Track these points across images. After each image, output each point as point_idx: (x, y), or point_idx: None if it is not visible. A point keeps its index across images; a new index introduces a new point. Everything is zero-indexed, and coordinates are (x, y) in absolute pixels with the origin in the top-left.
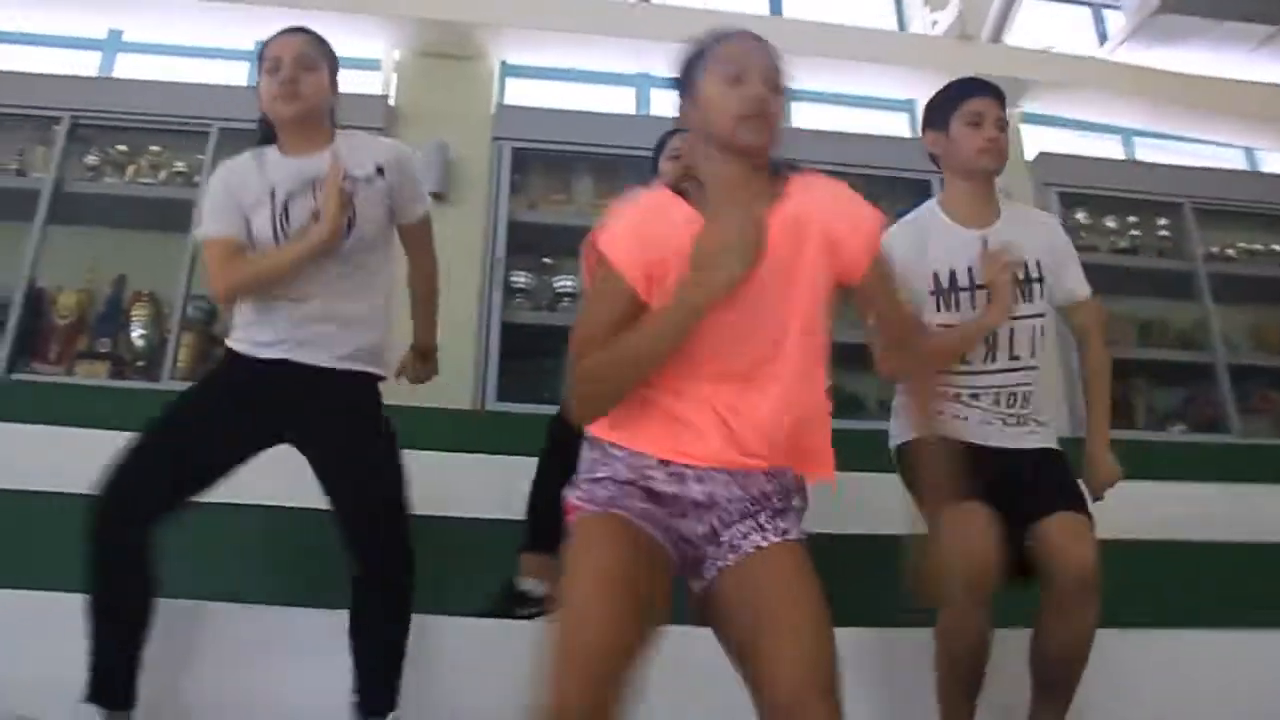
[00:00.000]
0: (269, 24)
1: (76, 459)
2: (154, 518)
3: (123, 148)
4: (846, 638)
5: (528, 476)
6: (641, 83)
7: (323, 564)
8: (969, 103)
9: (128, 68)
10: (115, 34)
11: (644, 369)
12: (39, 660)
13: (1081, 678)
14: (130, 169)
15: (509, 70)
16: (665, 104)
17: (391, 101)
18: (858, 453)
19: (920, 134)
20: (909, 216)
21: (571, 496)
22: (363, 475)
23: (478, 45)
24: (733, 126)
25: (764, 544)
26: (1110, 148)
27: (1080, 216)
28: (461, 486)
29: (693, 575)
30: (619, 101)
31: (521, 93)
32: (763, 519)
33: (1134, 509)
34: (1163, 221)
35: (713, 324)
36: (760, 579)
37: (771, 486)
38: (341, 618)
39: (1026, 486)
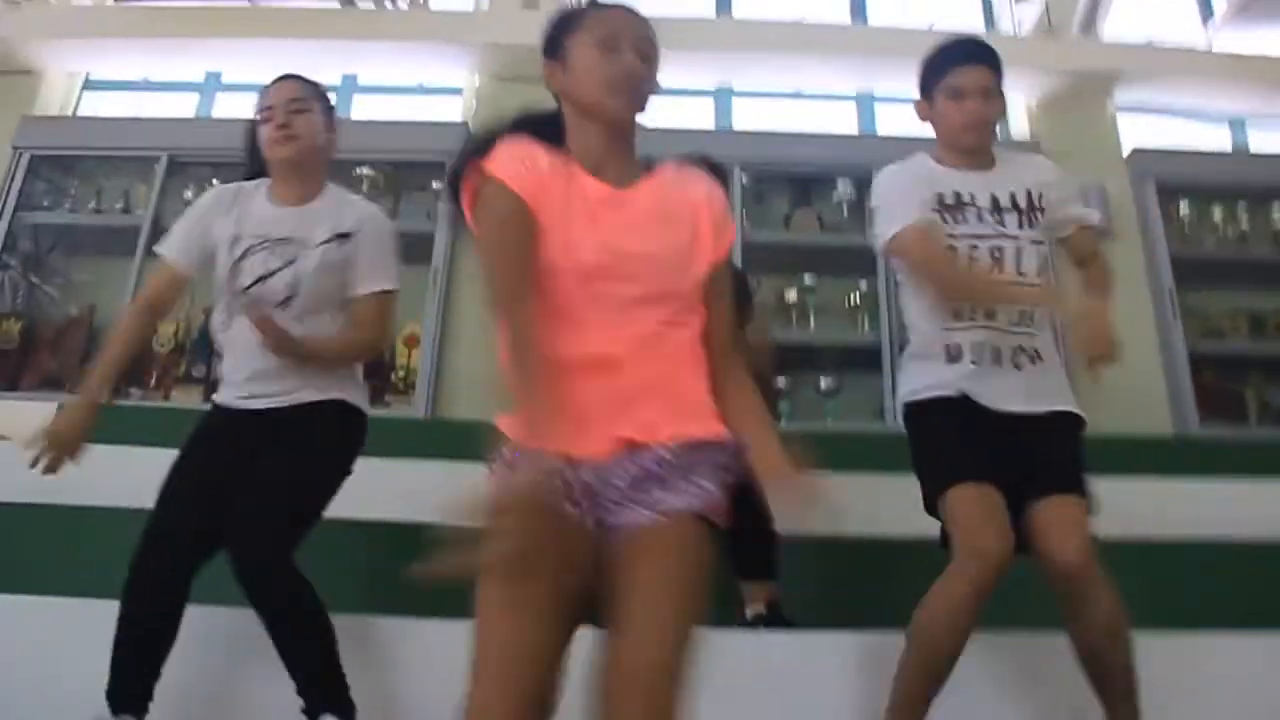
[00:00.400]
0: (360, 59)
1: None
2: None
3: (216, 182)
4: None
5: None
6: (722, 97)
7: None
8: (950, 75)
9: (226, 107)
10: (214, 76)
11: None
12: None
13: (1134, 673)
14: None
15: None
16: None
17: (471, 127)
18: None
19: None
20: (896, 164)
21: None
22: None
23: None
24: (601, 94)
25: (645, 521)
26: (1218, 137)
27: (1183, 209)
28: None
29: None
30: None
31: None
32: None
33: (1247, 507)
34: (1278, 214)
35: (576, 304)
36: (636, 555)
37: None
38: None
39: (1029, 458)
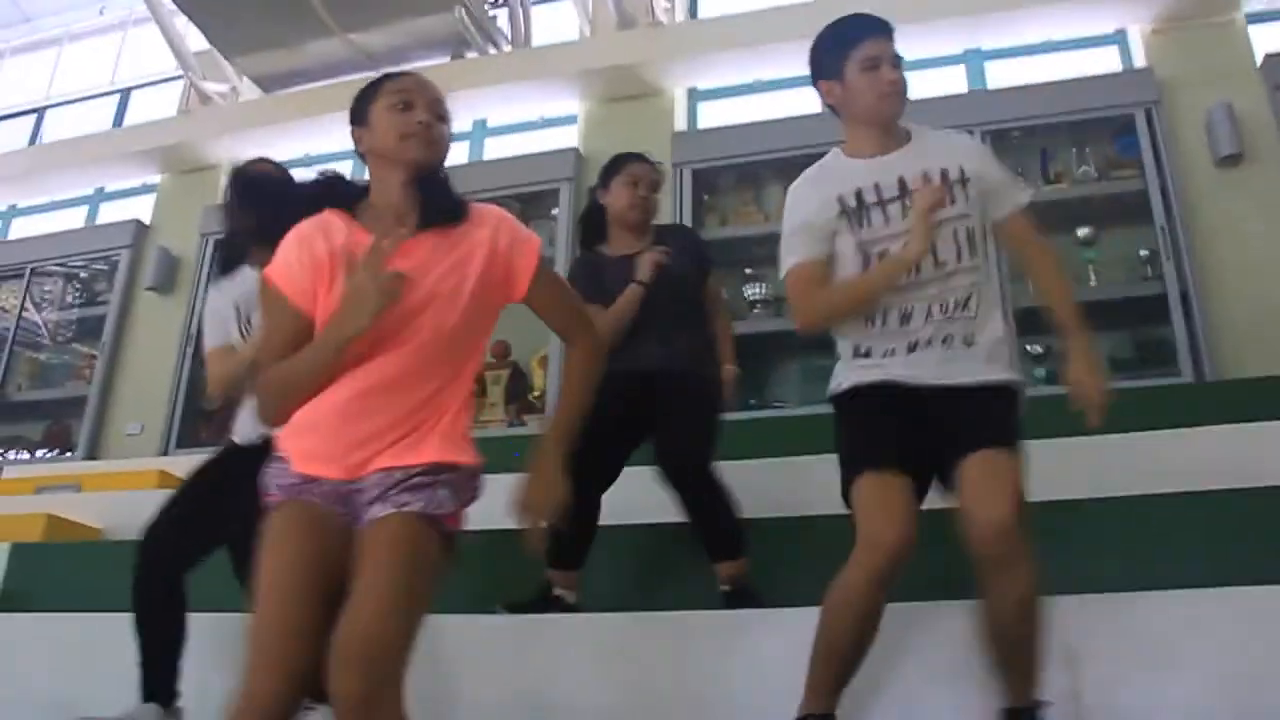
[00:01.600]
0: (485, 104)
1: None
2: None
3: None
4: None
5: None
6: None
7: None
8: (862, 47)
9: None
10: None
11: (304, 387)
12: None
13: (1037, 652)
14: None
15: (701, 95)
16: None
17: (581, 150)
18: None
19: (814, 84)
20: (804, 174)
21: (269, 488)
22: None
23: (652, 82)
24: (398, 144)
25: (380, 515)
26: None
27: None
28: None
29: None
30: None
31: (717, 115)
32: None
33: None
34: None
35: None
36: (364, 544)
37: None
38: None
39: (954, 424)
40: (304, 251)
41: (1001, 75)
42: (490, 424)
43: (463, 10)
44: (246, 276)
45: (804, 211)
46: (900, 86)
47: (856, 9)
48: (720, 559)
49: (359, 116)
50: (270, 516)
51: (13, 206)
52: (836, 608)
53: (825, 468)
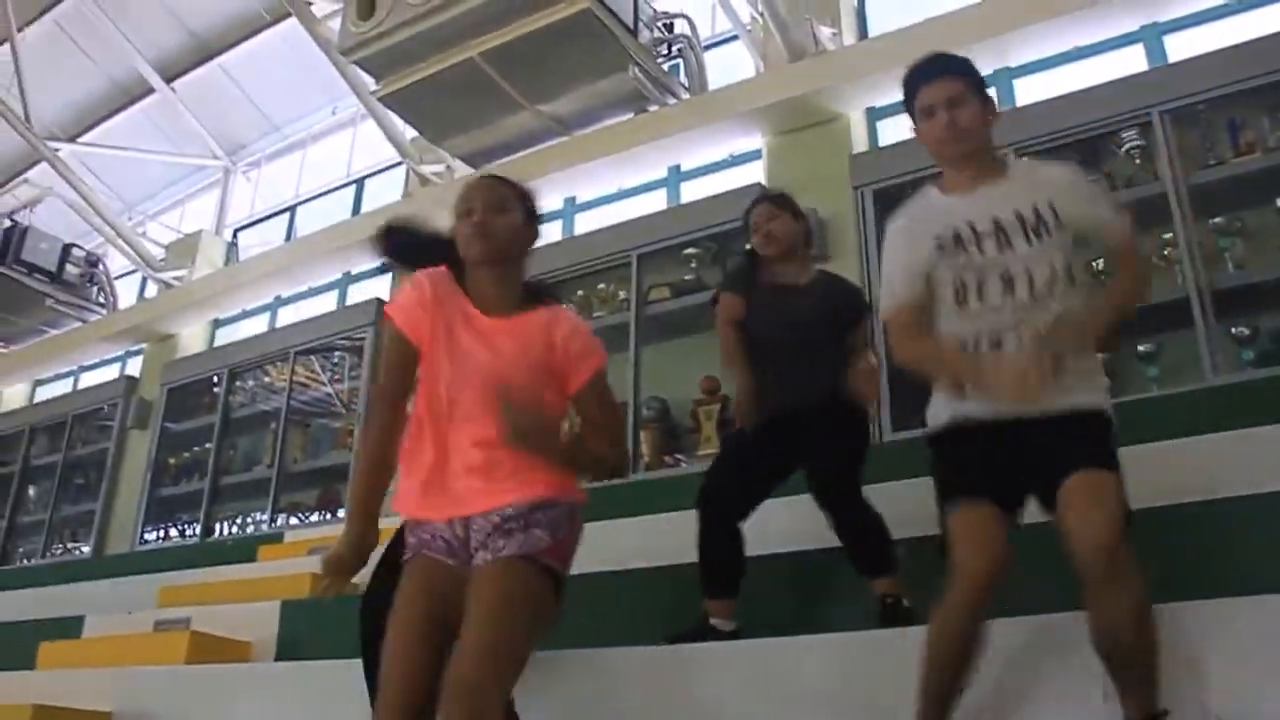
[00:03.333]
0: (678, 150)
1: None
2: None
3: (580, 293)
4: None
5: None
6: (1002, 78)
7: None
8: (917, 98)
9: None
10: (569, 200)
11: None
12: None
13: (1150, 666)
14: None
15: (879, 114)
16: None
17: (765, 184)
18: None
19: None
20: (901, 211)
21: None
22: None
23: (829, 107)
24: (464, 247)
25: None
26: None
27: None
28: None
29: None
30: None
31: (898, 131)
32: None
33: None
34: None
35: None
36: (472, 587)
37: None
38: None
39: (1049, 453)
40: (422, 294)
41: (1184, 47)
42: (705, 457)
43: (635, 68)
44: None
45: (902, 252)
46: (949, 129)
47: (1023, 10)
48: (880, 575)
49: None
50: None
51: (277, 297)
52: (937, 636)
53: None
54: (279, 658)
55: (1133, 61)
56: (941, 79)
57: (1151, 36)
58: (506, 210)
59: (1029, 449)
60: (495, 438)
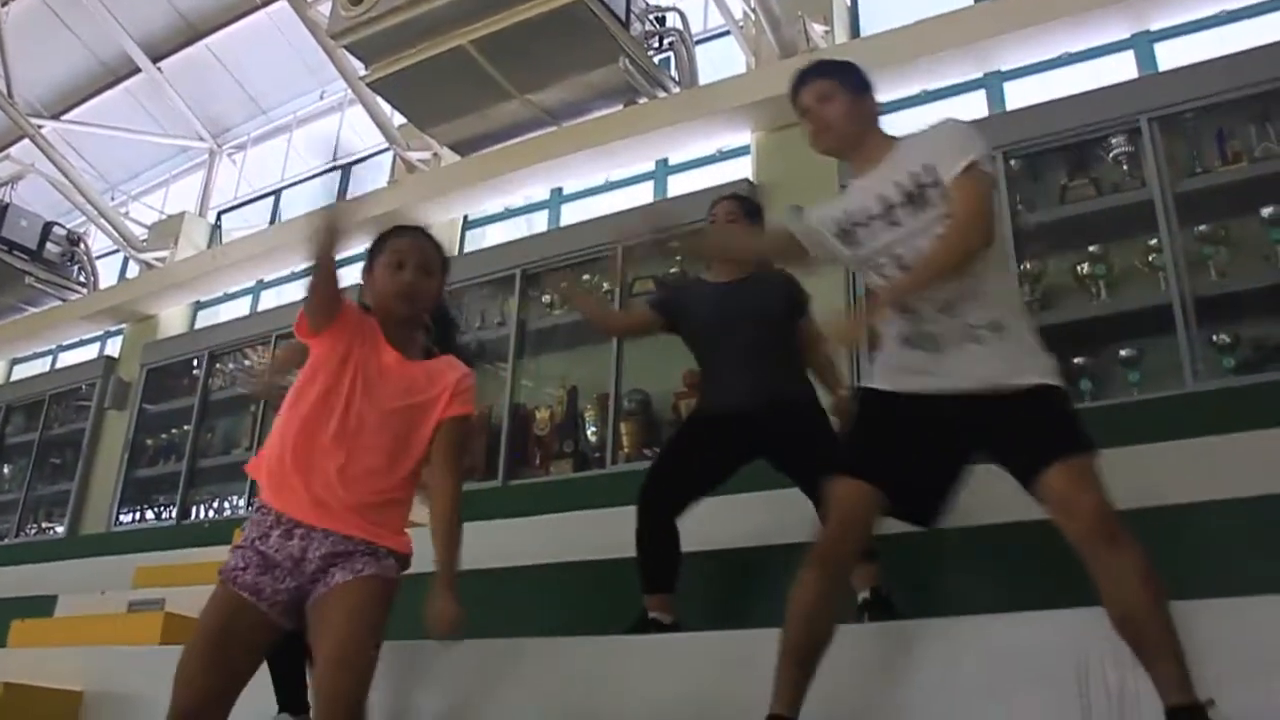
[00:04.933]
0: (666, 144)
1: (552, 540)
2: None
3: (564, 284)
4: None
5: None
6: (993, 81)
7: None
8: (796, 103)
9: (571, 216)
10: (556, 191)
11: None
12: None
13: (1170, 634)
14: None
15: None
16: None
17: (753, 179)
18: None
19: None
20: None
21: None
22: None
23: None
24: (388, 302)
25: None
26: None
27: None
28: None
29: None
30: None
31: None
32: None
33: None
34: None
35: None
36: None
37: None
38: None
39: (1004, 434)
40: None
41: (1173, 55)
42: None
43: (626, 60)
44: None
45: (811, 213)
46: (814, 128)
47: (1015, 14)
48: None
49: (367, 268)
50: None
51: (260, 281)
52: (792, 596)
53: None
54: None
55: (1123, 68)
56: (813, 83)
57: (1142, 44)
58: (432, 274)
59: (970, 423)
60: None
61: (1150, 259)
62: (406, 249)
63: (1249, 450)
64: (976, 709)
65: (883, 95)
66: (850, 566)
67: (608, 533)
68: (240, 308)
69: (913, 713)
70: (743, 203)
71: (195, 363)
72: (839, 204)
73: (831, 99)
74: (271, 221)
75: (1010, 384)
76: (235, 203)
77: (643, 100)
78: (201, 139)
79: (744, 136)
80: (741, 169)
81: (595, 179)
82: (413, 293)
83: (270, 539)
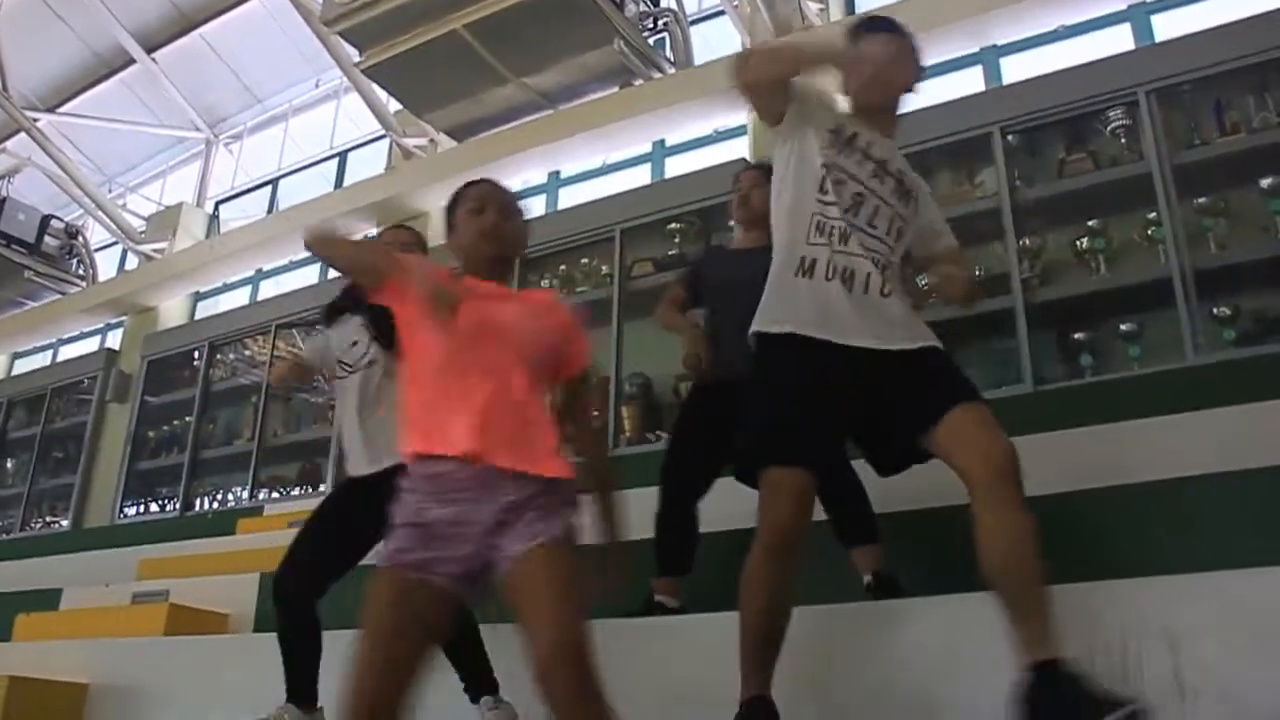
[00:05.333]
0: (663, 125)
1: None
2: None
3: (563, 268)
4: None
5: None
6: (989, 56)
7: None
8: (876, 34)
9: (568, 199)
10: (554, 175)
11: None
12: None
13: (1047, 593)
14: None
15: None
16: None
17: (751, 160)
18: None
19: None
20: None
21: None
22: None
23: (814, 83)
24: (474, 241)
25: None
26: None
27: None
28: None
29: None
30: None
31: None
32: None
33: None
34: None
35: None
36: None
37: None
38: None
39: (908, 389)
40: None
41: (1172, 27)
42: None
43: (620, 42)
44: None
45: (822, 101)
46: (886, 77)
47: None
48: (862, 544)
49: (449, 226)
50: None
51: (259, 270)
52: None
53: None
54: (257, 630)
55: (1120, 40)
56: (891, 32)
57: (1139, 15)
58: (512, 216)
59: (872, 384)
60: None
61: (1149, 232)
62: (485, 194)
63: (1251, 423)
64: (984, 684)
65: None
66: (800, 547)
67: None
68: (240, 298)
69: (920, 689)
70: (766, 172)
71: (196, 354)
72: (849, 123)
73: (897, 59)
74: (269, 211)
75: (915, 345)
76: (232, 193)
77: (638, 82)
78: (197, 129)
79: (740, 116)
80: (739, 149)
81: (593, 162)
82: (498, 232)
83: None
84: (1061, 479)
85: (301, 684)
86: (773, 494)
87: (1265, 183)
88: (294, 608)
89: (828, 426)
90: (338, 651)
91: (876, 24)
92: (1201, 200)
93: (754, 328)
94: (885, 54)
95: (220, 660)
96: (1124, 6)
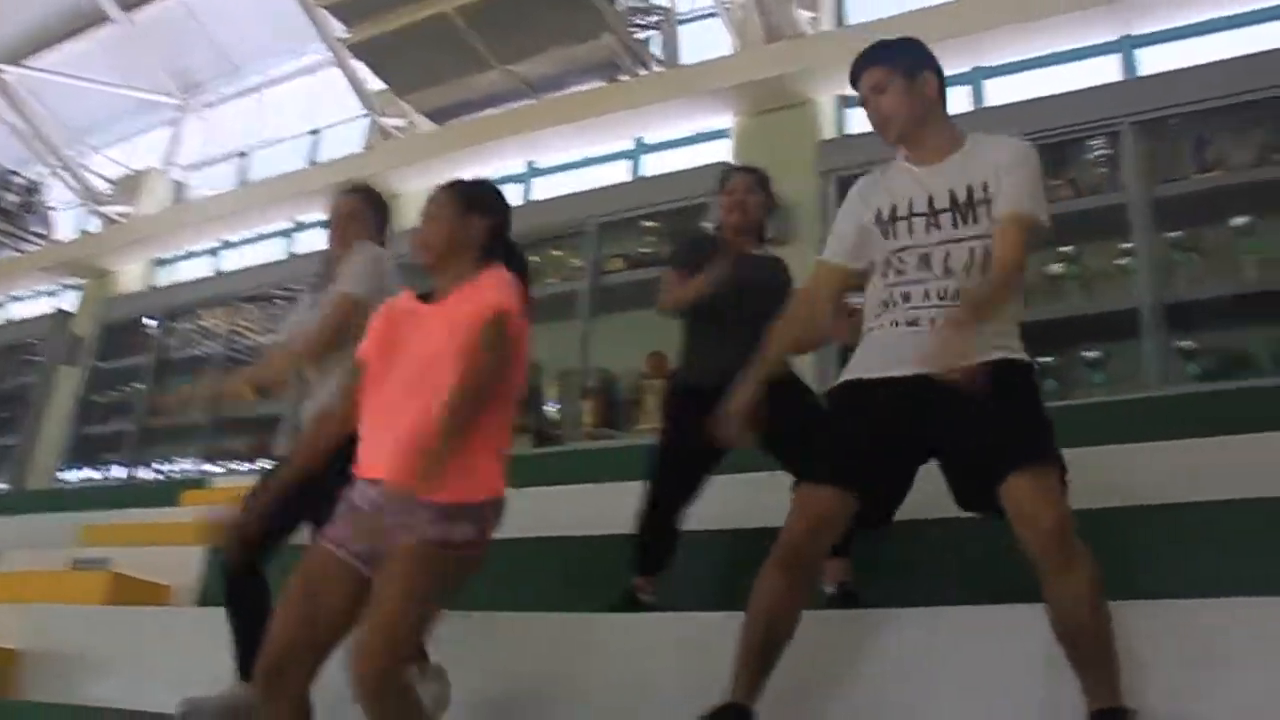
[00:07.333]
0: (641, 123)
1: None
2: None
3: (534, 259)
4: None
5: None
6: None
7: None
8: (856, 90)
9: (542, 190)
10: (531, 164)
11: None
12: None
13: (1108, 649)
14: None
15: (851, 102)
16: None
17: (731, 162)
18: None
19: None
20: (866, 176)
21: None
22: None
23: (801, 92)
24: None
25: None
26: None
27: None
28: None
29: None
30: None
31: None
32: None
33: None
34: None
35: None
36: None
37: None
38: None
39: (970, 430)
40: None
41: (1158, 61)
42: (642, 432)
43: (610, 36)
44: None
45: (845, 215)
46: (879, 116)
47: (1001, 11)
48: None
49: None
50: None
51: (225, 241)
52: (754, 591)
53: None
54: (201, 604)
55: (1106, 71)
56: (867, 71)
57: (1126, 48)
58: (430, 218)
59: (938, 411)
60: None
61: (1122, 262)
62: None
63: (1210, 456)
64: (946, 700)
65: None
66: (818, 569)
67: (565, 509)
68: (202, 268)
69: (881, 702)
70: (762, 181)
71: (152, 321)
72: (884, 192)
73: (885, 89)
74: (239, 183)
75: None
76: (202, 161)
77: (624, 77)
78: (170, 94)
79: (724, 119)
80: (721, 152)
81: (571, 154)
82: (419, 242)
83: None
84: None
85: (252, 660)
86: (793, 508)
87: (1238, 222)
88: (241, 576)
89: (863, 452)
90: None
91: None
92: (1175, 234)
93: None
94: None
95: (162, 633)
96: (1114, 38)
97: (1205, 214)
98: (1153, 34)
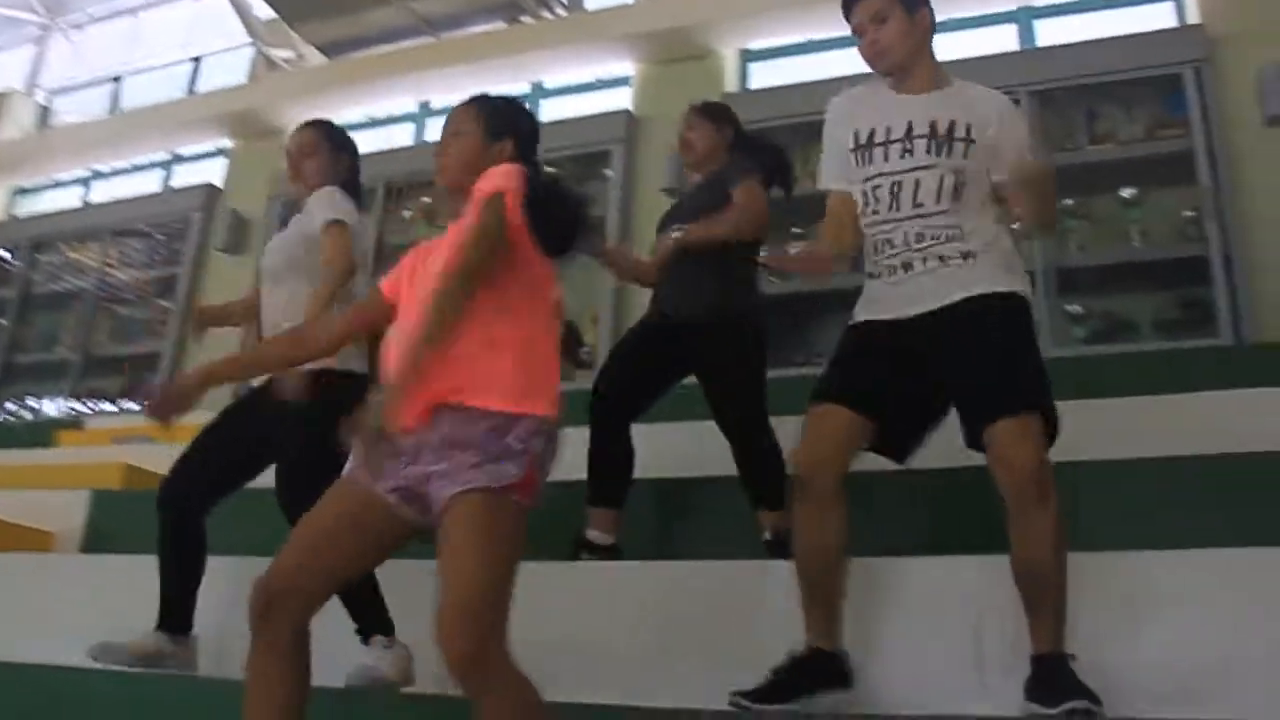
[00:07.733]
0: (542, 67)
1: None
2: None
3: (427, 200)
4: None
5: None
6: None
7: None
8: (851, 20)
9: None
10: (424, 105)
11: None
12: None
13: (1061, 594)
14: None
15: (752, 56)
16: None
17: (634, 112)
18: None
19: None
20: (852, 89)
21: None
22: None
23: (704, 44)
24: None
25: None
26: None
27: None
28: None
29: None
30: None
31: (768, 76)
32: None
33: None
34: None
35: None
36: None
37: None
38: None
39: (959, 369)
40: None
41: (1053, 33)
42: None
43: None
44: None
45: (830, 139)
46: (875, 48)
47: None
48: (764, 508)
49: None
50: None
51: (95, 172)
52: (794, 536)
53: None
54: (85, 550)
55: (1004, 40)
56: (856, 7)
57: (1024, 19)
58: (453, 136)
59: (924, 351)
60: None
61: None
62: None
63: (1094, 419)
64: (876, 650)
65: (769, 39)
66: (838, 496)
67: None
68: (71, 198)
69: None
70: (702, 111)
71: (15, 252)
72: (863, 115)
73: (887, 20)
74: (111, 110)
75: (962, 294)
76: (70, 85)
77: (526, 19)
78: (34, 10)
79: (626, 66)
80: (621, 99)
81: (465, 95)
82: (438, 167)
83: None
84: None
85: (175, 608)
86: (804, 428)
87: (1126, 193)
88: (180, 518)
89: (869, 373)
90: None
91: None
92: (1067, 202)
93: None
94: None
95: (44, 582)
96: (1013, 7)
97: (1095, 184)
98: (1050, 6)
